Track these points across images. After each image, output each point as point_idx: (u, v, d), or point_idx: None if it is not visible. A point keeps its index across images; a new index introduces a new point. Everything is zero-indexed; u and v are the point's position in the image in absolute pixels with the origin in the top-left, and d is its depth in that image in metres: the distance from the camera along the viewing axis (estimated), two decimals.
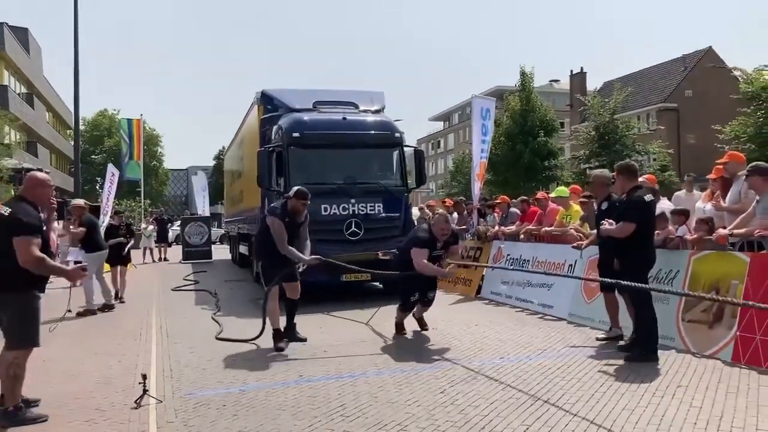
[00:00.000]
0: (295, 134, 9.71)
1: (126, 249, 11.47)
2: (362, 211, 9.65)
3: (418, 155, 10.90)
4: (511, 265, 9.63)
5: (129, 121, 27.23)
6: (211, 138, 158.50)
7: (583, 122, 34.49)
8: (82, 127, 44.02)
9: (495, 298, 9.53)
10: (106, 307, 9.62)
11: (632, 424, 3.97)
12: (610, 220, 5.80)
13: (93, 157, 54.56)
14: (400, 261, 6.97)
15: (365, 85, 63.93)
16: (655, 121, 41.30)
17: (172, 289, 12.67)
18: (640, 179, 6.40)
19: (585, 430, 3.91)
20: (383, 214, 9.80)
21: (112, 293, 10.18)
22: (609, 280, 5.68)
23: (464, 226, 11.61)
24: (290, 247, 6.52)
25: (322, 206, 9.28)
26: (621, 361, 5.53)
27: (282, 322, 6.74)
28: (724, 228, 6.09)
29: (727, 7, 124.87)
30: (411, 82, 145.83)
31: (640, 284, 5.24)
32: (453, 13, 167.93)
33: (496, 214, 11.27)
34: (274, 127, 10.37)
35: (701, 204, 7.06)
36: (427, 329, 7.16)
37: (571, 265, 8.24)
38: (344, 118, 10.14)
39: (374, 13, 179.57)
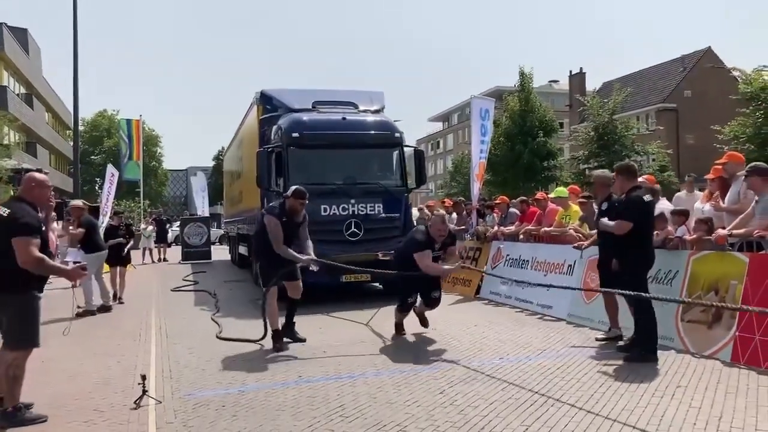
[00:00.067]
0: (295, 134, 9.70)
1: (126, 250, 11.48)
2: (362, 211, 9.64)
3: (418, 155, 10.86)
4: (511, 266, 9.65)
5: (128, 121, 27.21)
6: (211, 138, 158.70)
7: (583, 122, 34.50)
8: (81, 128, 43.96)
9: (494, 299, 9.53)
10: (104, 309, 9.61)
11: (632, 425, 3.97)
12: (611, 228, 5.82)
13: (92, 157, 54.53)
14: (399, 262, 6.95)
15: (365, 85, 64.04)
16: (654, 121, 41.32)
17: (172, 290, 12.66)
18: (639, 180, 6.41)
19: (584, 431, 3.91)
20: (383, 215, 9.79)
21: (111, 295, 10.17)
22: (610, 290, 5.75)
23: (463, 227, 11.62)
24: (285, 247, 6.51)
25: (322, 207, 9.27)
26: (620, 362, 5.53)
27: (282, 321, 6.74)
28: (724, 228, 6.10)
29: (726, 8, 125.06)
30: (411, 83, 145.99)
31: (640, 293, 5.23)
32: (453, 13, 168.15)
33: (495, 215, 11.28)
34: (274, 128, 10.36)
35: (700, 205, 7.06)
36: (427, 326, 7.12)
37: (570, 266, 8.24)
38: (344, 118, 10.13)
39: (374, 13, 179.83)
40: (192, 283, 13.82)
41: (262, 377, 5.46)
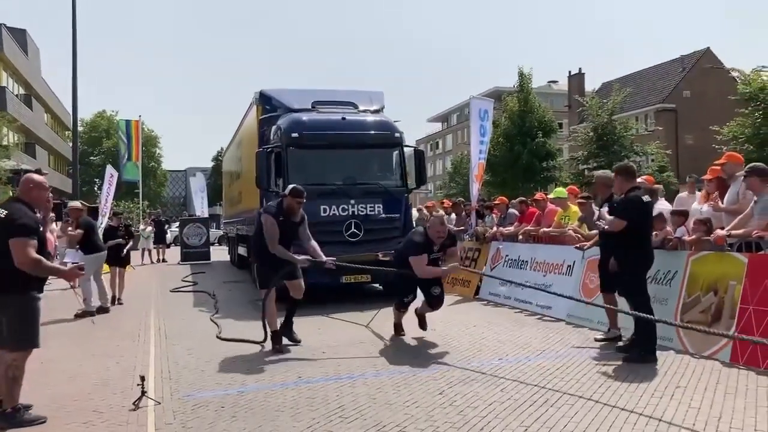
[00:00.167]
0: (294, 135, 9.67)
1: (125, 250, 11.46)
2: (362, 211, 9.61)
3: (418, 155, 10.81)
4: (510, 266, 9.65)
5: (127, 122, 27.21)
6: (210, 139, 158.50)
7: (582, 123, 34.51)
8: (80, 129, 43.96)
9: (493, 299, 9.53)
10: (102, 310, 9.59)
11: (631, 425, 3.97)
12: (605, 223, 5.85)
13: (91, 158, 54.57)
14: (398, 263, 6.91)
15: (365, 86, 63.96)
16: (653, 121, 41.36)
17: (171, 291, 12.65)
18: (638, 180, 6.42)
19: (584, 431, 3.91)
20: (383, 215, 9.75)
21: (109, 296, 10.14)
22: (611, 307, 5.77)
23: (463, 227, 11.63)
24: (281, 247, 6.47)
25: (322, 207, 9.25)
26: (620, 362, 5.53)
27: (281, 321, 6.72)
28: (722, 229, 6.11)
29: (725, 8, 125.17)
30: (410, 83, 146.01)
31: (642, 314, 5.22)
32: (453, 13, 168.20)
33: (494, 215, 11.29)
34: (273, 128, 10.34)
35: (698, 205, 7.07)
36: (425, 329, 7.04)
37: (569, 266, 8.25)
38: (343, 118, 10.09)
39: (374, 13, 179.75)
40: (191, 284, 13.81)
41: (261, 378, 5.46)
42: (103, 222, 14.97)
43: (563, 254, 8.39)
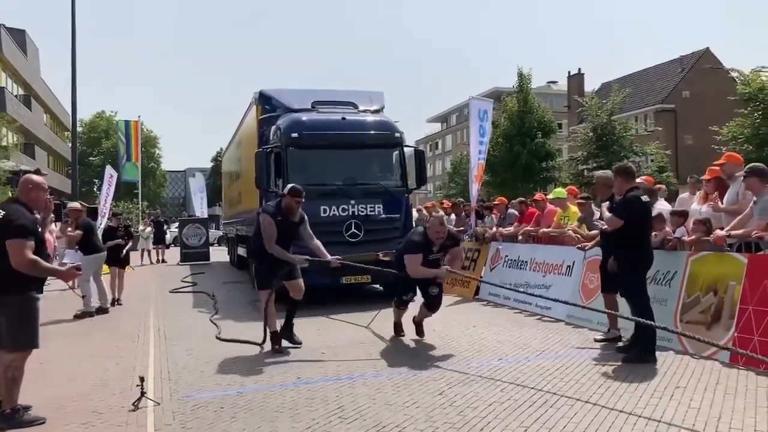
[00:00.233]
0: (294, 135, 9.66)
1: (124, 251, 11.45)
2: (362, 212, 9.59)
3: (419, 155, 10.78)
4: (509, 267, 9.65)
5: (126, 122, 27.22)
6: (209, 139, 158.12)
7: (581, 123, 34.53)
8: (79, 129, 43.94)
9: (493, 300, 9.53)
10: (101, 311, 9.59)
11: (630, 426, 3.97)
12: (603, 222, 5.86)
13: (91, 158, 54.54)
14: (398, 263, 6.90)
15: (365, 86, 63.99)
16: (652, 122, 41.40)
17: (170, 291, 12.64)
18: (638, 181, 6.42)
19: None
20: (383, 215, 9.73)
21: (109, 298, 10.12)
22: (609, 311, 5.74)
23: (462, 228, 11.62)
24: (278, 246, 6.44)
25: (322, 207, 9.23)
26: (619, 363, 5.53)
27: (280, 324, 6.70)
28: (722, 229, 6.11)
29: (725, 8, 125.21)
30: (410, 83, 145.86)
31: (642, 319, 5.22)
32: (453, 13, 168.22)
33: (494, 216, 11.29)
34: (273, 128, 10.33)
35: (696, 206, 7.07)
36: (422, 336, 6.93)
37: (569, 266, 8.25)
38: (343, 119, 10.07)
39: (374, 13, 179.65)
40: (190, 284, 13.80)
41: (260, 379, 5.45)
42: (102, 223, 14.96)
43: (563, 255, 8.39)
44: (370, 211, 9.67)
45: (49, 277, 4.66)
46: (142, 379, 4.77)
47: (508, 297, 9.21)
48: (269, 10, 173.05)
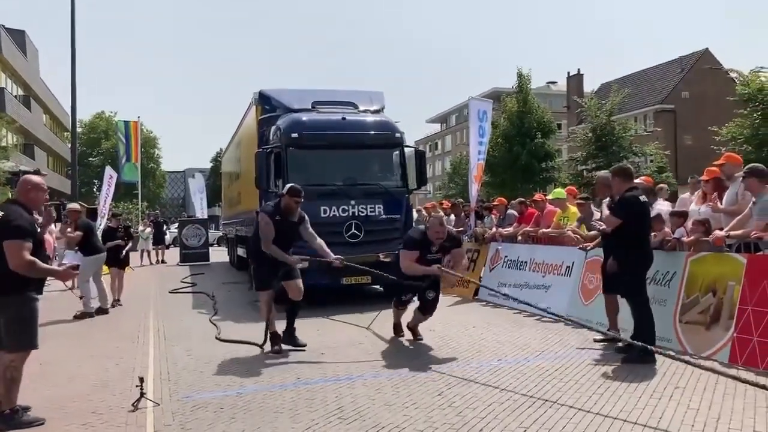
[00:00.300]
0: (294, 135, 9.63)
1: (124, 252, 11.44)
2: (362, 212, 9.56)
3: (419, 155, 10.75)
4: (509, 267, 9.65)
5: (126, 123, 27.20)
6: (209, 140, 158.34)
7: (580, 124, 34.55)
8: (79, 130, 43.90)
9: (493, 300, 9.52)
10: (101, 311, 9.58)
11: (630, 426, 3.97)
12: (601, 221, 5.87)
13: (90, 159, 54.50)
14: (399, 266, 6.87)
15: (365, 86, 63.94)
16: (652, 122, 41.42)
17: (170, 292, 12.64)
18: (636, 181, 6.43)
19: None
20: (384, 216, 9.69)
21: (110, 300, 10.09)
22: (597, 329, 5.69)
23: (462, 228, 11.62)
24: (275, 247, 6.39)
25: (322, 208, 9.20)
26: (618, 363, 5.53)
27: (280, 325, 6.68)
28: (721, 230, 6.11)
29: (725, 8, 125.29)
30: (409, 84, 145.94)
31: (646, 345, 5.17)
32: (453, 13, 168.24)
33: (493, 216, 11.29)
34: (272, 128, 10.31)
35: (695, 207, 7.07)
36: (420, 338, 6.89)
37: (568, 267, 8.25)
38: (343, 119, 10.04)
39: (374, 13, 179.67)
40: (190, 285, 13.80)
41: (260, 379, 5.45)
42: (102, 223, 14.96)
43: (562, 255, 8.40)
44: (371, 211, 9.64)
45: (48, 278, 4.66)
46: (141, 380, 4.77)
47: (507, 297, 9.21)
48: (269, 10, 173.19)
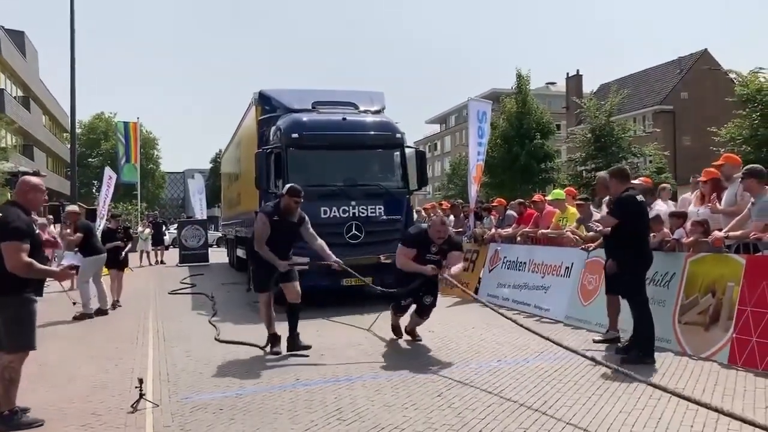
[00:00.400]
0: (294, 135, 9.60)
1: (123, 253, 11.43)
2: (363, 213, 9.52)
3: (420, 156, 10.73)
4: (508, 268, 9.65)
5: (125, 124, 27.20)
6: (209, 140, 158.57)
7: (579, 125, 34.56)
8: (78, 131, 43.90)
9: (492, 301, 9.51)
10: (100, 312, 9.57)
11: (629, 427, 3.97)
12: (597, 222, 5.88)
13: (89, 160, 54.48)
14: (399, 271, 6.84)
15: (365, 86, 63.88)
16: (651, 123, 41.40)
17: (169, 293, 12.63)
18: (636, 182, 6.44)
19: None
20: (384, 217, 9.65)
21: (110, 301, 10.07)
22: (610, 360, 5.66)
23: (461, 229, 11.62)
24: (267, 248, 6.33)
25: (322, 209, 9.16)
26: (617, 364, 5.52)
27: (279, 327, 6.63)
28: (720, 230, 6.12)
29: (724, 9, 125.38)
30: (409, 84, 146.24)
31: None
32: (453, 13, 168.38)
33: (492, 217, 11.28)
34: (272, 128, 10.28)
35: (693, 208, 7.07)
36: (419, 339, 6.91)
37: (567, 268, 8.25)
38: (344, 119, 10.00)
39: (374, 13, 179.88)
40: (189, 286, 13.79)
41: (259, 380, 5.45)
42: (101, 224, 14.95)
43: (561, 256, 8.40)
44: (371, 212, 9.60)
45: (47, 279, 4.66)
46: (141, 381, 4.76)
47: (507, 298, 9.22)
48: (269, 10, 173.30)
